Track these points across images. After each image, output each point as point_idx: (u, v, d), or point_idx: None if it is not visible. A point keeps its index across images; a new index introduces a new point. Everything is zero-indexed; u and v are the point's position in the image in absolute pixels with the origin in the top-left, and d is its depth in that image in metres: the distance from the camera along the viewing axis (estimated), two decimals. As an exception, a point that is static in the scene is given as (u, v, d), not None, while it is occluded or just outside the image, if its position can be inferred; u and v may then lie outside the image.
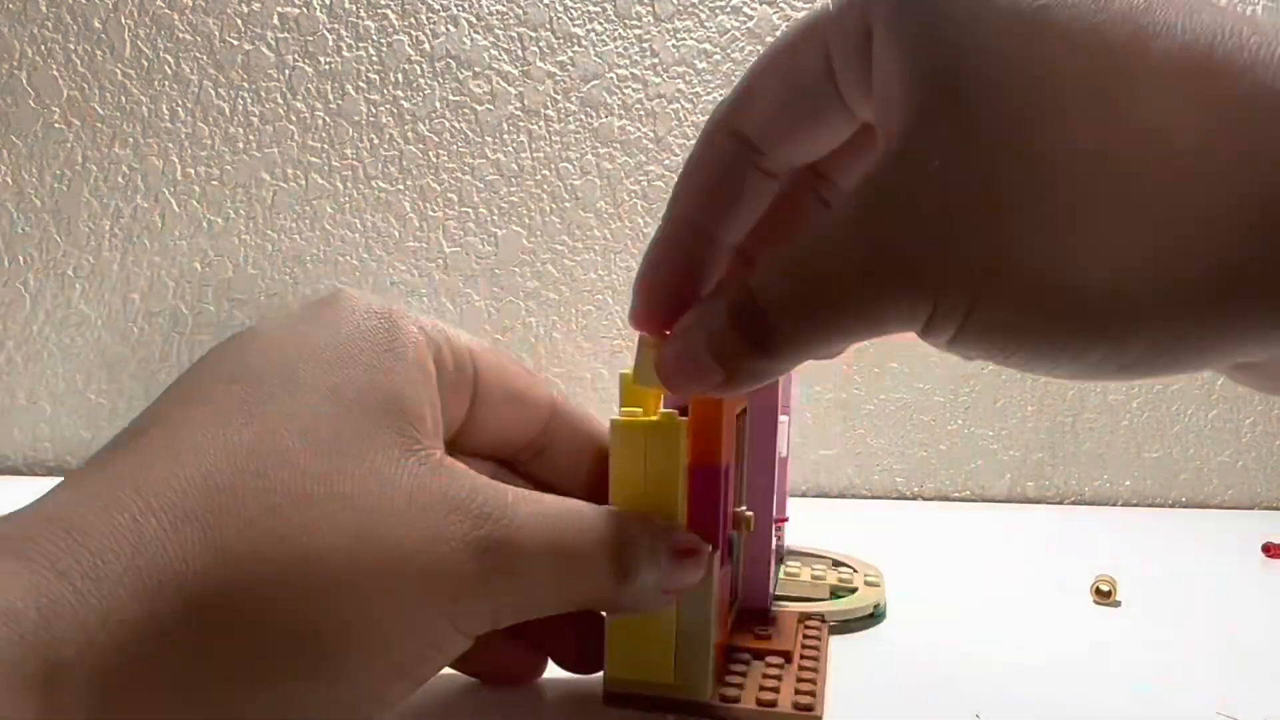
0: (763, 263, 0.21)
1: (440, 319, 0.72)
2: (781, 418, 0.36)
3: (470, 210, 0.69)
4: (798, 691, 0.29)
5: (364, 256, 0.68)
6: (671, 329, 0.24)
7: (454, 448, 0.27)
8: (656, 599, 0.26)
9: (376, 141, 0.68)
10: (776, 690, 0.30)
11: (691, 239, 0.25)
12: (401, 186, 0.68)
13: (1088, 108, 0.18)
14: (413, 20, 0.68)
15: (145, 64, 0.66)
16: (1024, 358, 0.20)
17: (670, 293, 0.25)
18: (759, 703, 0.29)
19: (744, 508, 0.33)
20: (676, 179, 0.25)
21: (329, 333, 0.23)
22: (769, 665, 0.32)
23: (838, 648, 0.37)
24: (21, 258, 0.66)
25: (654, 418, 0.27)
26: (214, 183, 0.67)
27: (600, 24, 0.69)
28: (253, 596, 0.19)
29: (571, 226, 0.69)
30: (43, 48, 0.65)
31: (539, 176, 0.69)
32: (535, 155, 0.69)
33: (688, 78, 0.69)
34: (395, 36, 0.68)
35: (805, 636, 0.35)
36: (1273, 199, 0.18)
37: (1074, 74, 0.18)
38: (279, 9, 0.67)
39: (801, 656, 0.33)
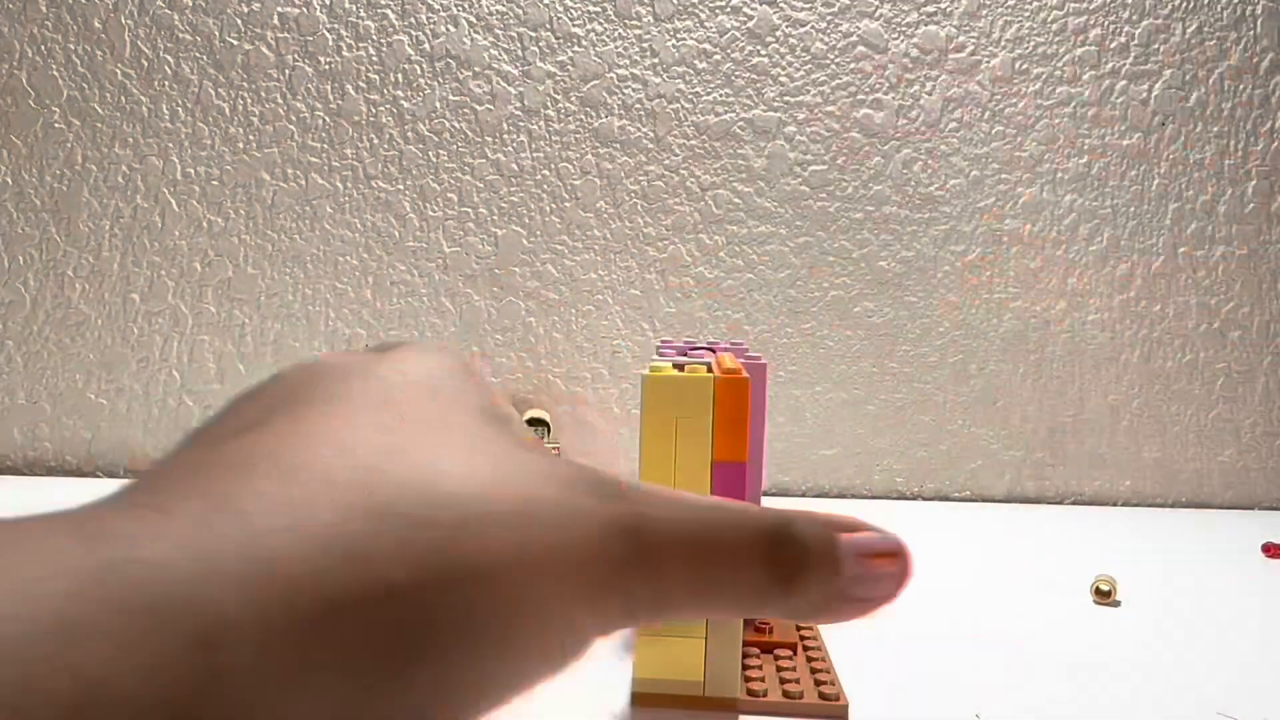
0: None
1: (440, 319, 0.72)
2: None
3: (470, 210, 0.69)
4: (818, 683, 0.29)
5: (364, 256, 0.68)
6: None
7: None
8: (847, 609, 0.22)
9: (376, 141, 0.68)
10: (798, 682, 0.30)
11: None
12: (401, 186, 0.68)
13: None
14: (413, 20, 0.68)
15: (145, 64, 0.66)
16: None
17: None
18: (785, 695, 0.29)
19: None
20: None
21: (416, 365, 0.22)
22: (779, 659, 0.32)
23: (841, 648, 0.37)
24: (21, 258, 0.66)
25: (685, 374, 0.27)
26: (214, 182, 0.67)
27: (600, 24, 0.69)
28: (418, 566, 0.17)
29: (571, 226, 0.69)
30: (43, 48, 0.65)
31: (539, 176, 0.69)
32: (535, 155, 0.69)
33: (688, 78, 0.69)
34: (395, 36, 0.68)
35: (800, 628, 0.35)
36: None
37: None
38: (279, 9, 0.67)
39: (805, 648, 0.33)
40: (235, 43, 0.66)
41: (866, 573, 0.22)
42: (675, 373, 0.27)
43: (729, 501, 0.22)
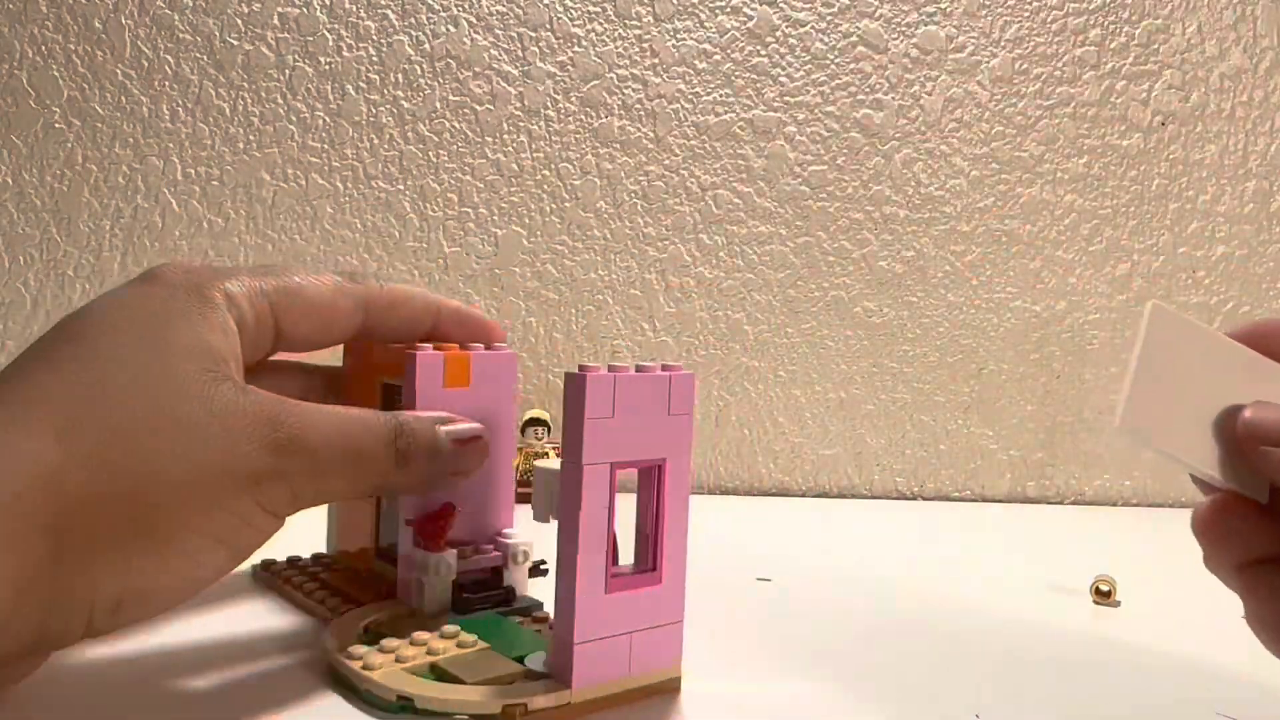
0: None
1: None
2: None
3: (470, 210, 0.69)
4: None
5: (364, 256, 0.68)
6: None
7: (259, 373, 0.35)
8: (444, 481, 0.33)
9: (376, 141, 0.68)
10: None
11: None
12: (401, 186, 0.68)
13: None
14: (413, 20, 0.68)
15: (145, 64, 0.66)
16: None
17: None
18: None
19: None
20: None
21: (149, 302, 0.30)
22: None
23: (841, 648, 0.37)
24: (22, 258, 0.66)
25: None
26: (214, 183, 0.67)
27: (600, 24, 0.69)
28: (94, 489, 0.26)
29: (571, 226, 0.69)
30: (43, 48, 0.65)
31: (539, 176, 0.69)
32: (535, 155, 0.69)
33: (688, 78, 0.69)
34: (395, 36, 0.68)
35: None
36: None
37: None
38: (279, 9, 0.67)
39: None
40: (235, 43, 0.66)
41: (460, 452, 0.33)
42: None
43: (369, 412, 0.31)
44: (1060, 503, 0.72)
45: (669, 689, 0.31)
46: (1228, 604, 0.46)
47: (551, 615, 0.32)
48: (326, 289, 0.35)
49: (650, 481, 0.31)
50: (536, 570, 0.39)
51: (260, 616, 0.38)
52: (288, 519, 0.30)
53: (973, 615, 0.42)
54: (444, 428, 0.33)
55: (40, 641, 0.26)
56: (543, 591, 0.36)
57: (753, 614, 0.41)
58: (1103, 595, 0.44)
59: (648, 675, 0.31)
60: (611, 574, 0.29)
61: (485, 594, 0.36)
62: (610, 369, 0.29)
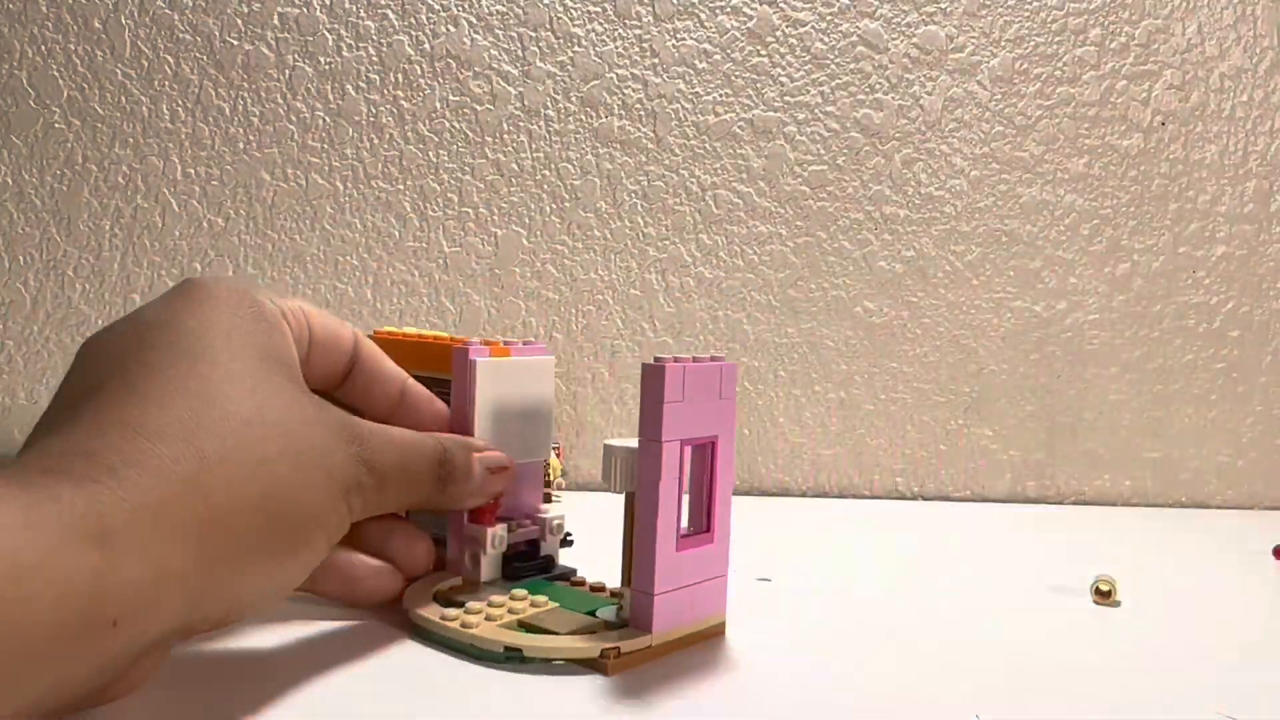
0: None
1: (441, 319, 0.72)
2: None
3: (470, 210, 0.69)
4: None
5: (364, 256, 0.68)
6: None
7: None
8: (477, 499, 0.38)
9: (376, 141, 0.68)
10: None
11: None
12: (401, 186, 0.68)
13: None
14: (413, 20, 0.68)
15: (145, 64, 0.66)
16: None
17: None
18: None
19: None
20: None
21: (211, 312, 0.31)
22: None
23: (841, 649, 0.37)
24: (22, 258, 0.66)
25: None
26: (214, 183, 0.67)
27: (600, 24, 0.69)
28: (235, 491, 0.27)
29: (571, 226, 0.69)
30: (43, 48, 0.65)
31: (539, 176, 0.69)
32: (535, 155, 0.69)
33: (688, 78, 0.69)
34: (395, 36, 0.68)
35: None
36: None
37: None
38: (279, 9, 0.67)
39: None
40: (235, 43, 0.66)
41: (490, 479, 0.38)
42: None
43: (415, 434, 0.36)
44: (1060, 503, 0.72)
45: (717, 633, 0.37)
46: (1228, 604, 0.46)
47: (586, 579, 0.40)
48: (332, 317, 0.38)
49: (704, 456, 0.36)
50: (565, 542, 0.44)
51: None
52: None
53: (973, 615, 0.42)
54: (480, 455, 0.38)
55: (176, 637, 0.27)
56: (571, 560, 0.43)
57: (754, 614, 0.41)
58: (1103, 595, 0.44)
59: (703, 621, 0.36)
60: (680, 534, 0.35)
61: (530, 563, 0.41)
62: (676, 360, 0.34)
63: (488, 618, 0.35)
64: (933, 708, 0.32)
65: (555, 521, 0.42)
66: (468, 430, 0.39)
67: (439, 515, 0.39)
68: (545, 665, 0.33)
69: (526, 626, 0.35)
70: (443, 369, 0.40)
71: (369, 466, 0.32)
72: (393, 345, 0.41)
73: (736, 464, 0.71)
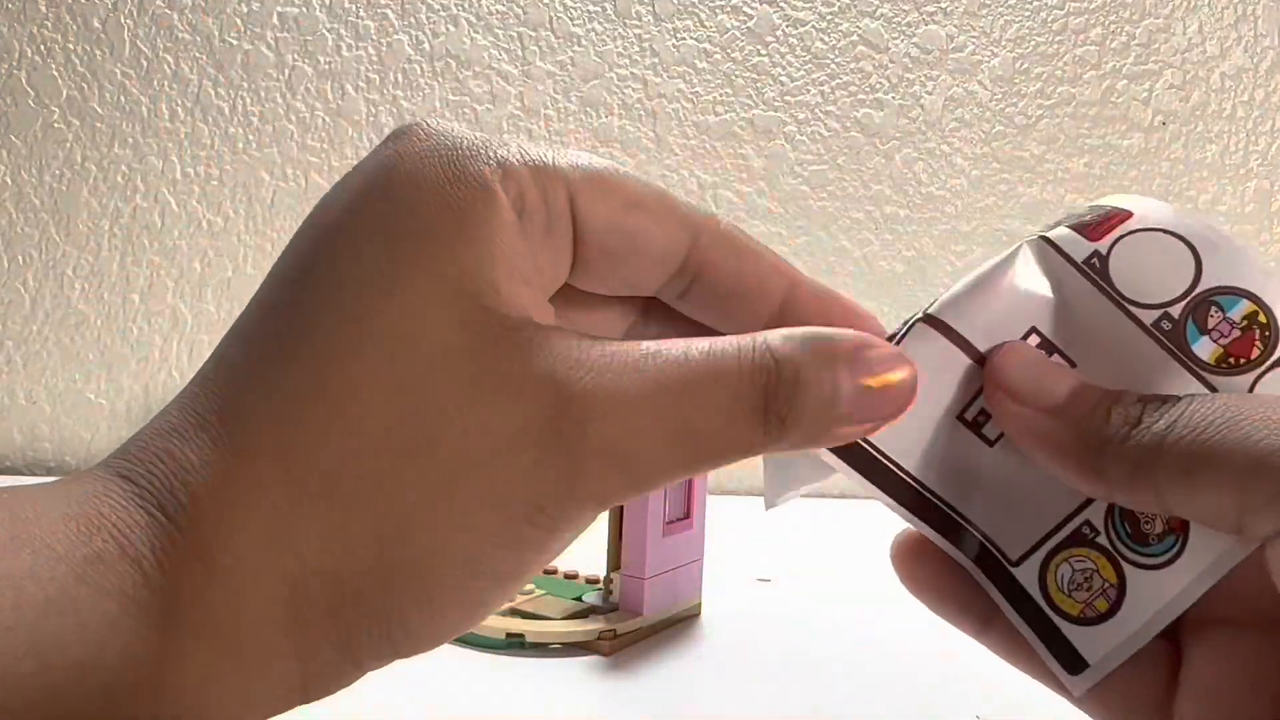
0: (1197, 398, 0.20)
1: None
2: None
3: (470, 210, 0.69)
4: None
5: (364, 256, 0.68)
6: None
7: (567, 299, 0.22)
8: (837, 435, 0.21)
9: (376, 141, 0.68)
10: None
11: None
12: (401, 186, 0.68)
13: None
14: (412, 20, 0.67)
15: (144, 64, 0.66)
16: None
17: None
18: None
19: None
20: None
21: (383, 197, 0.20)
22: None
23: (841, 650, 0.37)
24: (21, 257, 0.66)
25: None
26: (213, 182, 0.67)
27: (600, 23, 0.69)
28: (322, 543, 0.18)
29: (571, 226, 0.69)
30: (42, 47, 0.65)
31: (539, 176, 0.69)
32: (535, 155, 0.69)
33: (688, 77, 0.69)
34: (395, 36, 0.67)
35: None
36: None
37: None
38: (278, 8, 0.66)
39: None
40: (235, 42, 0.66)
41: (868, 397, 0.20)
42: None
43: (711, 353, 0.19)
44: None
45: (695, 613, 0.39)
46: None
47: (560, 568, 0.40)
48: (652, 193, 0.22)
49: None
50: None
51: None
52: None
53: (973, 616, 0.42)
54: (850, 372, 0.20)
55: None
56: None
57: (753, 614, 0.41)
58: (1103, 596, 0.44)
59: (684, 603, 0.38)
60: (666, 521, 0.36)
61: None
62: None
63: None
64: (933, 708, 0.32)
65: None
66: None
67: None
68: (543, 649, 0.34)
69: (520, 613, 0.36)
70: None
71: (597, 454, 0.18)
72: None
73: (737, 464, 0.71)
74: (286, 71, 0.67)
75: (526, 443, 0.18)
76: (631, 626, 0.35)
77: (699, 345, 0.19)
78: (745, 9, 0.70)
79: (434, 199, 0.19)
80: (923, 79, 0.71)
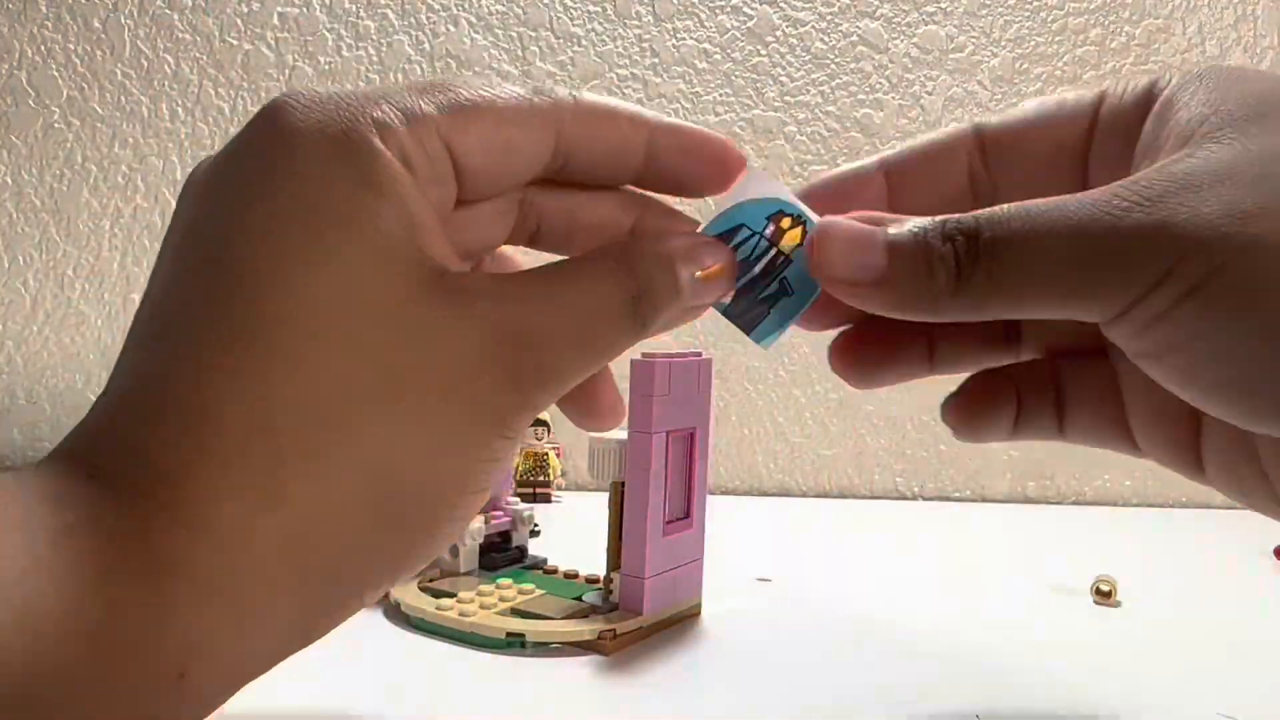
0: (998, 207, 0.23)
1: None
2: None
3: (470, 210, 0.69)
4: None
5: (364, 256, 0.68)
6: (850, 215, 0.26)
7: (459, 209, 0.25)
8: (682, 319, 0.26)
9: (376, 141, 0.68)
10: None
11: (878, 191, 0.29)
12: (401, 186, 0.68)
13: None
14: (413, 20, 0.67)
15: (145, 64, 0.66)
16: (1216, 357, 0.21)
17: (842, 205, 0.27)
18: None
19: None
20: (900, 148, 0.30)
21: (276, 183, 0.21)
22: None
23: (841, 649, 0.37)
24: (21, 257, 0.66)
25: None
26: (214, 182, 0.67)
27: (600, 24, 0.69)
28: (317, 492, 0.20)
29: (571, 226, 0.69)
30: (42, 48, 0.65)
31: (539, 176, 0.69)
32: (535, 155, 0.69)
33: (688, 77, 0.69)
34: (395, 36, 0.67)
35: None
36: None
37: None
38: (279, 9, 0.67)
39: None
40: (235, 42, 0.66)
41: (701, 286, 0.26)
42: None
43: (593, 278, 0.24)
44: (1060, 503, 0.72)
45: (696, 613, 0.38)
46: (1228, 604, 0.46)
47: (560, 568, 0.41)
48: (512, 105, 0.25)
49: (685, 446, 0.37)
50: (533, 533, 0.45)
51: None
52: None
53: (973, 615, 0.42)
54: (687, 271, 0.26)
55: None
56: (540, 549, 0.44)
57: (753, 614, 0.41)
58: (1103, 595, 0.44)
59: (684, 603, 0.38)
60: (666, 520, 0.36)
61: (505, 553, 0.42)
62: (659, 356, 0.34)
63: (483, 606, 0.36)
64: (933, 708, 0.32)
65: (525, 513, 0.43)
66: None
67: None
68: (544, 649, 0.34)
69: (520, 613, 0.36)
70: None
71: (538, 376, 0.23)
72: None
73: (737, 464, 0.71)
74: (287, 72, 0.67)
75: (483, 370, 0.22)
76: (631, 626, 0.35)
77: (585, 273, 0.24)
78: (745, 9, 0.70)
79: (337, 174, 0.21)
80: (922, 79, 0.71)
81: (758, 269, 0.29)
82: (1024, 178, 0.27)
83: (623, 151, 0.27)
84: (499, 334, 0.22)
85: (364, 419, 0.20)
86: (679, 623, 0.38)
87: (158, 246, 0.67)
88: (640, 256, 0.25)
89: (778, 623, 0.40)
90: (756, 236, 0.29)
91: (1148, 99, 0.25)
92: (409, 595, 0.37)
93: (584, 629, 0.34)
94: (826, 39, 0.70)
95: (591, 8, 0.68)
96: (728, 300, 0.27)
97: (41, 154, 0.66)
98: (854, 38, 0.70)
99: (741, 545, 0.54)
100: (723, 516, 0.62)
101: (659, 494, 0.35)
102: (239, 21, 0.66)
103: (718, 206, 0.29)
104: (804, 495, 0.71)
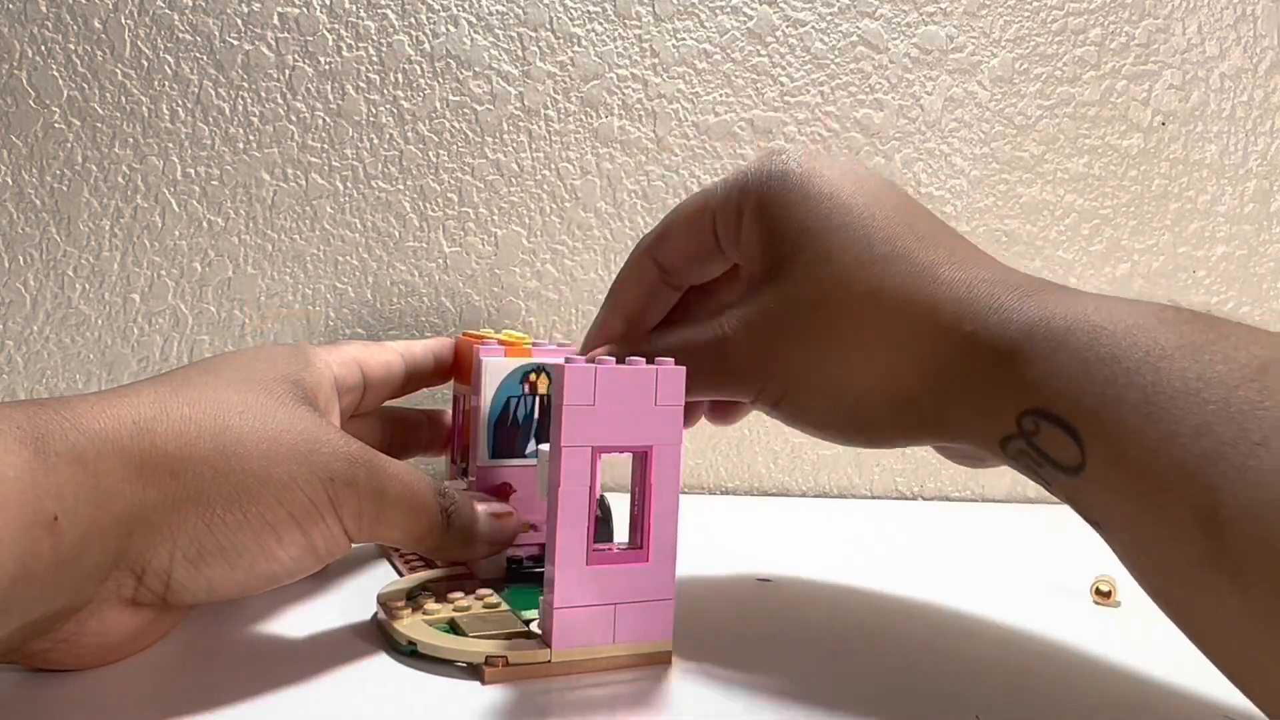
0: (659, 335, 0.38)
1: (440, 319, 0.71)
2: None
3: (470, 210, 0.69)
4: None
5: (364, 256, 0.68)
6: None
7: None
8: (484, 546, 0.38)
9: (376, 141, 0.68)
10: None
11: (623, 323, 0.40)
12: (401, 186, 0.68)
13: (854, 299, 0.33)
14: (413, 20, 0.68)
15: (145, 64, 0.66)
16: (812, 433, 0.36)
17: (627, 310, 0.40)
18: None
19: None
20: (612, 285, 0.41)
21: (262, 356, 0.36)
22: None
23: (839, 649, 0.37)
24: (21, 258, 0.66)
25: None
26: (214, 183, 0.67)
27: (600, 24, 0.69)
28: (183, 439, 0.29)
29: (571, 226, 0.69)
30: (43, 48, 0.65)
31: (539, 176, 0.69)
32: (535, 155, 0.69)
33: (688, 78, 0.69)
34: (395, 36, 0.68)
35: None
36: (918, 364, 0.33)
37: (856, 279, 0.33)
38: (279, 9, 0.67)
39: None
40: (235, 43, 0.66)
41: (495, 523, 0.38)
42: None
43: (423, 479, 0.35)
44: (1060, 503, 0.72)
45: (659, 660, 0.34)
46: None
47: None
48: (386, 351, 0.43)
49: (639, 467, 0.34)
50: None
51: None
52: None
53: (973, 615, 0.42)
54: (481, 505, 0.38)
55: (119, 569, 0.29)
56: None
57: (754, 614, 0.41)
58: (1103, 595, 0.44)
59: (635, 646, 0.33)
60: (593, 548, 0.32)
61: (526, 568, 0.41)
62: (600, 361, 0.32)
63: (425, 613, 0.35)
64: (933, 708, 0.32)
65: None
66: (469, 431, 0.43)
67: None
68: (436, 663, 0.33)
69: (453, 626, 0.34)
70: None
71: (370, 469, 0.32)
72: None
73: (736, 464, 0.71)
74: (287, 72, 0.67)
75: (331, 449, 0.32)
76: (531, 658, 0.32)
77: (413, 471, 0.35)
78: (745, 9, 0.70)
79: (296, 370, 0.36)
80: (922, 79, 0.71)
81: (536, 414, 0.43)
82: (688, 268, 0.39)
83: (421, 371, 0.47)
84: (348, 439, 0.33)
85: (238, 420, 0.31)
86: (628, 668, 0.33)
87: (158, 246, 0.67)
88: (460, 493, 0.38)
89: (778, 622, 0.40)
90: (521, 398, 0.42)
91: (739, 207, 0.36)
92: (395, 593, 0.37)
93: (476, 650, 0.32)
94: (826, 39, 0.70)
95: (591, 8, 0.68)
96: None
97: (42, 154, 0.66)
98: (854, 38, 0.70)
99: (741, 545, 0.54)
100: (723, 517, 0.62)
101: (575, 515, 0.32)
102: (239, 22, 0.66)
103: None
104: (804, 495, 0.71)
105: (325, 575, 0.42)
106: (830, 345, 0.33)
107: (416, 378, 0.45)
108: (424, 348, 0.46)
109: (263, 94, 0.67)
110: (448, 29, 0.68)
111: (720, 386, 0.35)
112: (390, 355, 0.43)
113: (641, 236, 0.40)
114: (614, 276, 0.39)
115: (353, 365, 0.41)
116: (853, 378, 0.33)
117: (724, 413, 0.42)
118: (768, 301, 0.33)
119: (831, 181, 0.33)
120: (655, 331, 0.39)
